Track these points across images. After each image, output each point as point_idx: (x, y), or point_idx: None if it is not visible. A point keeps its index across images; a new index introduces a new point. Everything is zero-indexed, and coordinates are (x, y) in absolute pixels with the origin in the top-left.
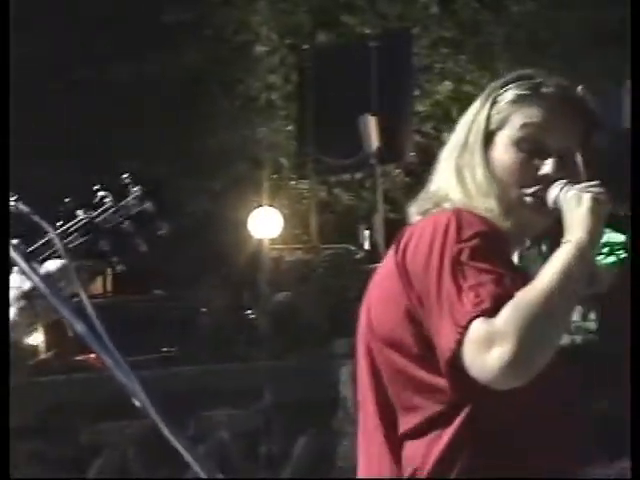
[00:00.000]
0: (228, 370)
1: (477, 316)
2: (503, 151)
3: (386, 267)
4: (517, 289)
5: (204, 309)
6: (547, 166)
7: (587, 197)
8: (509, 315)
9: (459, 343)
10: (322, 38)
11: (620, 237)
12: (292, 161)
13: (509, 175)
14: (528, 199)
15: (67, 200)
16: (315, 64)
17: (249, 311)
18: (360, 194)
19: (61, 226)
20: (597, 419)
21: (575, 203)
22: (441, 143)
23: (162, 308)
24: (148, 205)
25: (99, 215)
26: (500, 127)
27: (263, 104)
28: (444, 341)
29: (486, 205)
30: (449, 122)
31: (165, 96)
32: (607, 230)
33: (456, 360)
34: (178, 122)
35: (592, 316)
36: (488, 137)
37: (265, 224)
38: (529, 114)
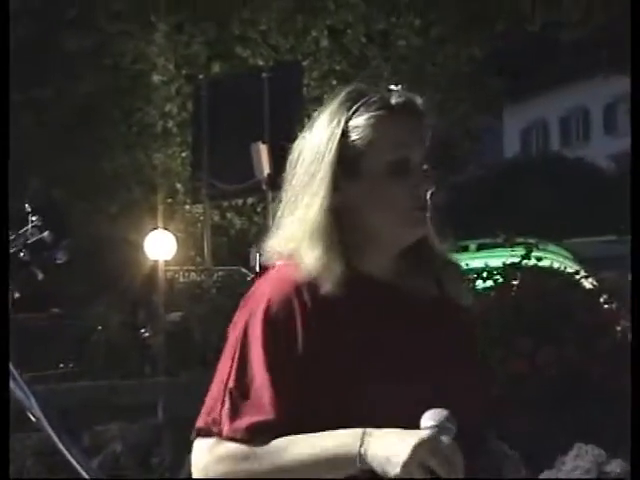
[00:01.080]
0: (122, 386)
1: (215, 434)
2: (373, 174)
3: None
4: (385, 318)
5: (100, 327)
6: (418, 182)
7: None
8: (237, 458)
9: (198, 431)
10: (217, 69)
11: (497, 262)
12: (187, 186)
13: (385, 196)
14: (415, 213)
15: None
16: (210, 94)
17: (143, 330)
18: (252, 218)
19: None
20: None
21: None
22: None
23: (59, 326)
24: (46, 235)
25: None
26: (363, 152)
27: (159, 131)
28: (202, 412)
29: (320, 250)
30: None
31: (64, 121)
32: (485, 255)
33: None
34: (76, 146)
35: None
36: (348, 164)
37: (160, 246)
38: (393, 135)
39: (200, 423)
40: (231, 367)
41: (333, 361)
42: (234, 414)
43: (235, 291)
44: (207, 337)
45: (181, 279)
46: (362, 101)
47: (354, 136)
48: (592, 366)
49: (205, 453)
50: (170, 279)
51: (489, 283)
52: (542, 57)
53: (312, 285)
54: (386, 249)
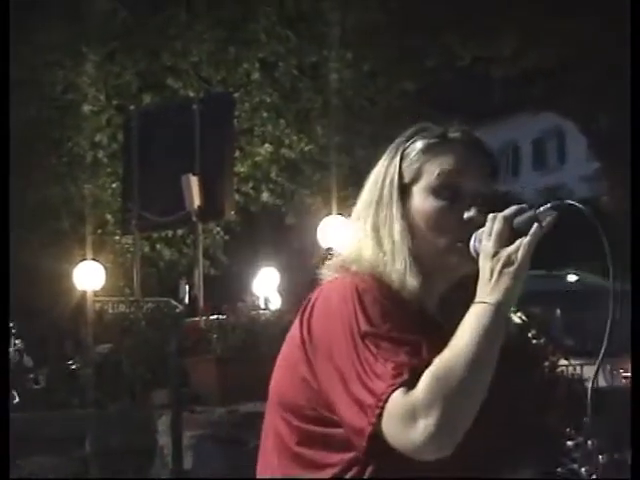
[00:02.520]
0: (49, 418)
1: (396, 389)
2: (422, 201)
3: (291, 333)
4: (430, 352)
5: (27, 358)
6: (469, 211)
7: (504, 253)
8: (429, 386)
9: (379, 417)
10: (148, 99)
11: None
12: (117, 217)
13: (433, 224)
14: (458, 244)
15: None
16: (140, 124)
17: (71, 361)
18: (181, 250)
19: None
20: None
21: (489, 257)
22: (260, 203)
23: None
24: (26, 360)
25: None
26: (415, 179)
27: (89, 161)
28: (358, 416)
29: (396, 267)
30: (268, 182)
31: None
32: None
33: (375, 434)
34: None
35: None
36: (403, 191)
37: (89, 277)
38: (442, 161)
39: (372, 398)
40: (356, 358)
41: None
42: (388, 370)
43: (164, 323)
44: (136, 369)
45: (110, 310)
46: (422, 133)
47: (407, 163)
48: (519, 401)
49: (410, 410)
50: (99, 310)
51: None
52: (472, 92)
53: (390, 288)
54: (434, 283)
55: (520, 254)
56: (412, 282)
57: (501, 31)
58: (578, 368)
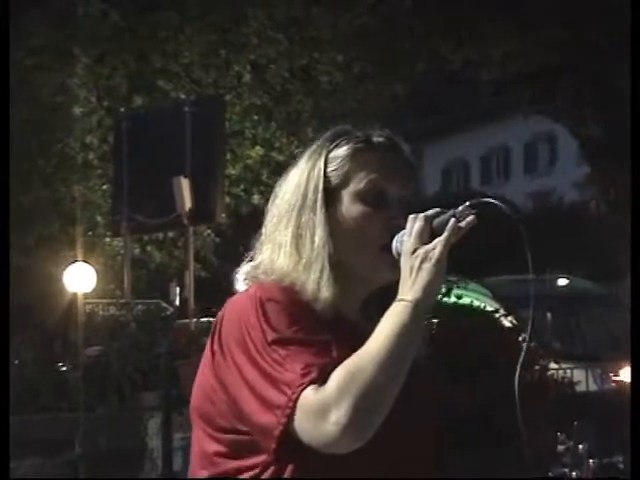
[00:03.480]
0: (38, 420)
1: (305, 387)
2: (349, 207)
3: (206, 346)
4: (347, 355)
5: (15, 361)
6: (395, 216)
7: (421, 251)
8: (340, 380)
9: (290, 416)
10: (138, 101)
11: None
12: (107, 219)
13: (359, 230)
14: (383, 252)
15: None
16: (131, 126)
17: (60, 363)
18: (172, 252)
19: None
20: None
21: (408, 255)
22: (251, 205)
23: None
24: None
25: None
26: (342, 184)
27: (80, 163)
28: (268, 416)
29: (311, 276)
30: (259, 185)
31: None
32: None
33: (287, 433)
34: None
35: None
36: (327, 196)
37: (79, 279)
38: (369, 167)
39: (284, 398)
40: (258, 352)
41: None
42: (303, 361)
43: (154, 325)
44: (125, 371)
45: (100, 312)
46: (345, 137)
47: (332, 167)
48: (509, 404)
49: (321, 407)
50: (89, 312)
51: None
52: (463, 96)
53: (298, 297)
54: (357, 287)
55: (437, 250)
56: (325, 294)
57: (491, 35)
58: (568, 372)
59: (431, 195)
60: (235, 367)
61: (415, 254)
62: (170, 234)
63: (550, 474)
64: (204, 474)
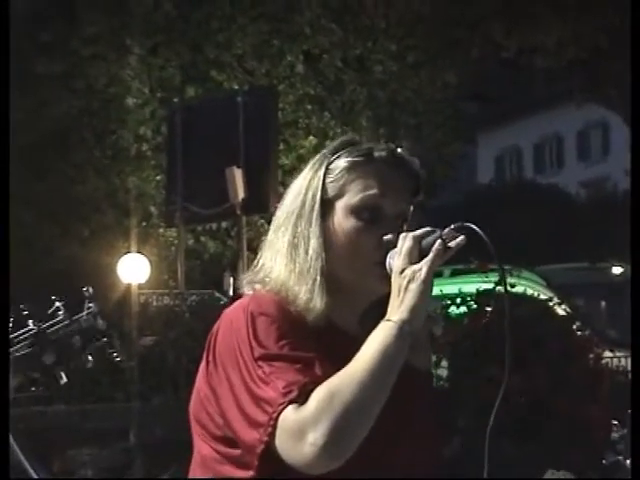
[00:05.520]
0: (94, 410)
1: (286, 406)
2: (343, 220)
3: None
4: (324, 371)
5: (101, 322)
6: (389, 232)
7: (409, 271)
8: (319, 400)
9: (271, 435)
10: (191, 92)
11: (471, 288)
12: (161, 209)
13: (351, 243)
14: (375, 266)
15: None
16: (184, 117)
17: (115, 354)
18: (225, 242)
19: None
20: None
21: (397, 274)
22: None
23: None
24: (100, 323)
25: (51, 326)
26: (338, 196)
27: (133, 154)
28: (251, 433)
29: (303, 288)
30: None
31: (36, 144)
32: (459, 281)
33: (268, 450)
34: (48, 170)
35: (444, 363)
36: (324, 206)
37: (133, 270)
38: (366, 182)
39: (265, 416)
40: (246, 365)
41: None
42: (286, 380)
43: (208, 315)
44: (180, 361)
45: (154, 303)
46: (348, 148)
47: (330, 178)
48: (565, 393)
49: (300, 427)
50: (143, 303)
51: (463, 309)
52: (516, 84)
53: (289, 310)
54: (351, 299)
55: (423, 271)
56: (318, 305)
57: (545, 21)
58: (622, 360)
59: (484, 184)
60: (226, 380)
61: (403, 274)
62: (224, 224)
63: (604, 462)
64: (198, 475)
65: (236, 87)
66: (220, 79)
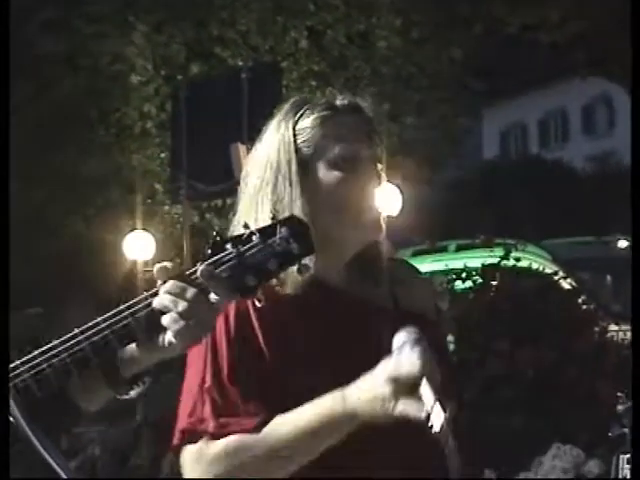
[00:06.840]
0: None
1: (201, 433)
2: (324, 175)
3: None
4: (318, 321)
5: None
6: (372, 181)
7: (396, 389)
8: (228, 447)
9: (182, 442)
10: (196, 69)
11: (477, 263)
12: (166, 187)
13: (337, 196)
14: (365, 216)
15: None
16: (188, 94)
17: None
18: (230, 219)
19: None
20: None
21: (390, 379)
22: None
23: (38, 328)
24: (294, 246)
25: (247, 251)
26: (314, 153)
27: (138, 132)
28: (183, 420)
29: None
30: None
31: (39, 122)
32: (465, 255)
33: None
34: (53, 148)
35: (450, 338)
36: (300, 167)
37: (139, 247)
38: (339, 133)
39: (183, 425)
40: (204, 367)
41: (285, 362)
42: (217, 411)
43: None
44: None
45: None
46: (307, 106)
47: (301, 138)
48: (570, 366)
49: (198, 457)
50: (149, 280)
51: (468, 284)
52: (520, 59)
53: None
54: (338, 253)
55: (402, 409)
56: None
57: None
58: (628, 333)
59: (489, 159)
60: (192, 366)
61: (393, 385)
62: (229, 201)
63: (610, 434)
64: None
65: (240, 64)
66: (224, 56)
